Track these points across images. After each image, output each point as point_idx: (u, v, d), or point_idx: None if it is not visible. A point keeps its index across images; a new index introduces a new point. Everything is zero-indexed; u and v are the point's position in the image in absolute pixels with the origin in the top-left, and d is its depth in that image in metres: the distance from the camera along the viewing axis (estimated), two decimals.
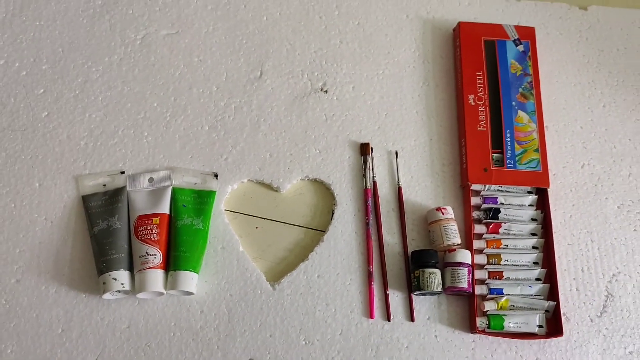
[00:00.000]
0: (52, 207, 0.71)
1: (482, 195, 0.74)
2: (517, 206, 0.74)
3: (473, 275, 0.70)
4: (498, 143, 0.76)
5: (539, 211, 0.74)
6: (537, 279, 0.71)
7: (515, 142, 0.76)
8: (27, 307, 0.67)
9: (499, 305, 0.69)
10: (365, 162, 0.76)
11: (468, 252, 0.70)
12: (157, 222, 0.69)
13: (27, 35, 0.79)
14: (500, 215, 0.73)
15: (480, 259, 0.72)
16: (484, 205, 0.74)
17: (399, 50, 0.83)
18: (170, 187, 0.72)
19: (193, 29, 0.81)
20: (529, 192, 0.75)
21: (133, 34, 0.80)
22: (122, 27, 0.80)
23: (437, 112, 0.80)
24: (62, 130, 0.75)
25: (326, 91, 0.80)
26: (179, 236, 0.68)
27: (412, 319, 0.69)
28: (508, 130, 0.76)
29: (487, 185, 0.74)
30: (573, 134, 0.81)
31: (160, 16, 0.82)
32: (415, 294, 0.70)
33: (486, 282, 0.71)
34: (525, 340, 0.69)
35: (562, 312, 0.70)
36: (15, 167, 0.73)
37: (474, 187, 0.74)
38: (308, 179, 0.76)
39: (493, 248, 0.72)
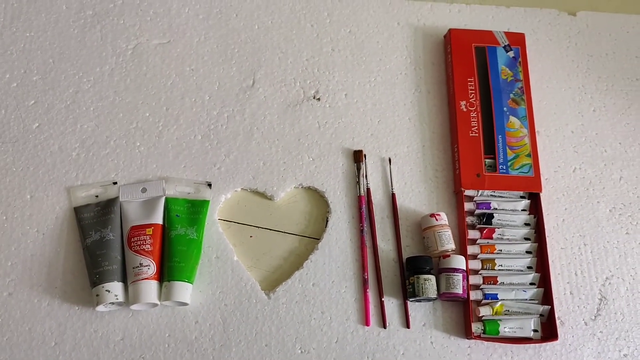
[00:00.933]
0: (44, 219, 0.71)
1: (475, 201, 0.75)
2: (510, 211, 0.74)
3: (468, 280, 0.70)
4: (490, 148, 0.76)
5: (532, 216, 0.74)
6: (531, 284, 0.72)
7: (507, 148, 0.76)
8: (20, 320, 0.66)
9: (494, 310, 0.70)
10: (358, 169, 0.76)
11: (462, 258, 0.70)
12: (151, 233, 0.68)
13: (18, 47, 0.79)
14: (493, 221, 0.73)
15: (475, 265, 0.72)
16: (478, 211, 0.74)
17: (391, 57, 0.83)
18: (164, 197, 0.71)
19: (185, 39, 0.81)
20: (522, 197, 0.75)
21: (124, 44, 0.80)
22: (114, 37, 0.80)
23: (430, 119, 0.80)
24: (53, 142, 0.74)
25: (319, 99, 0.80)
26: (173, 246, 0.68)
27: (407, 326, 0.69)
28: (500, 136, 0.77)
29: (480, 191, 0.75)
30: (564, 139, 0.81)
31: (151, 26, 0.82)
32: (411, 301, 0.70)
33: (481, 287, 0.71)
34: (521, 345, 0.69)
35: (556, 316, 0.70)
36: (6, 179, 0.72)
37: (467, 192, 0.75)
38: (302, 187, 0.76)
39: (487, 253, 0.72)
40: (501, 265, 0.72)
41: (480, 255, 0.72)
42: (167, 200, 0.71)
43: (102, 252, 0.67)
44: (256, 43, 0.82)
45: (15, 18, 0.80)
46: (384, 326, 0.69)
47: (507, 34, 0.83)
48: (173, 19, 0.82)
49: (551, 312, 0.70)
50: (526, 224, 0.74)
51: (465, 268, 0.70)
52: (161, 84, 0.79)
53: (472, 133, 0.77)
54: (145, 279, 0.66)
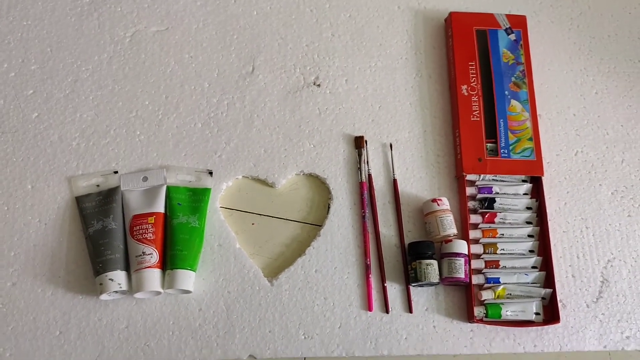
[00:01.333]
0: (46, 209, 0.71)
1: (477, 185, 0.75)
2: (512, 195, 0.74)
3: (470, 265, 0.70)
4: (492, 133, 0.76)
5: (534, 199, 0.74)
6: (533, 267, 0.72)
7: (509, 132, 0.76)
8: (24, 310, 0.67)
9: (496, 294, 0.70)
10: (360, 155, 0.76)
11: (464, 243, 0.70)
12: (153, 221, 0.68)
13: (15, 36, 0.78)
14: (495, 205, 0.73)
15: (477, 249, 0.72)
16: (479, 195, 0.74)
17: (391, 42, 0.83)
18: (165, 186, 0.71)
19: (183, 25, 0.81)
20: (524, 181, 0.75)
21: (122, 32, 0.79)
22: (111, 24, 0.80)
23: (431, 103, 0.80)
24: (53, 131, 0.74)
25: (319, 85, 0.79)
26: (175, 235, 0.68)
27: (410, 311, 0.70)
28: (501, 120, 0.76)
29: (482, 175, 0.74)
30: (566, 122, 0.81)
31: (149, 13, 0.81)
32: (413, 286, 0.70)
33: (483, 271, 0.71)
34: (523, 328, 0.70)
35: (558, 299, 0.71)
36: (7, 169, 0.72)
37: (469, 177, 0.75)
38: (303, 174, 0.76)
39: (489, 237, 0.72)
40: (503, 249, 0.72)
41: (482, 240, 0.72)
42: (168, 188, 0.71)
43: (104, 241, 0.67)
44: (255, 29, 0.81)
45: (12, 7, 0.79)
46: (387, 311, 0.70)
47: (509, 16, 0.82)
48: (171, 5, 0.81)
49: (553, 295, 0.70)
50: (528, 208, 0.74)
51: (467, 252, 0.70)
52: (160, 71, 0.78)
53: (473, 117, 0.76)
54: (148, 267, 0.66)
